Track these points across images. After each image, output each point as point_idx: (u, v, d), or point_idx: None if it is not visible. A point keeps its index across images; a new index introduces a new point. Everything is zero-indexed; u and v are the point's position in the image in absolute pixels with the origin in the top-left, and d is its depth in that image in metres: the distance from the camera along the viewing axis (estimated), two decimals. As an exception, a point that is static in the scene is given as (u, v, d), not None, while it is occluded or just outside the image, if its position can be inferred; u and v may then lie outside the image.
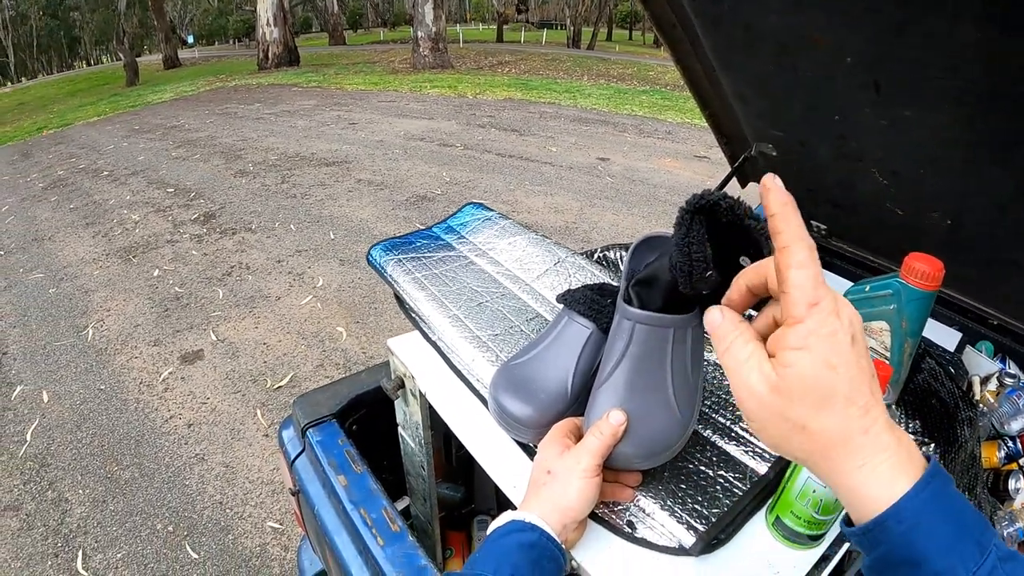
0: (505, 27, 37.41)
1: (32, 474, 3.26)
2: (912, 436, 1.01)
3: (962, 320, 1.95)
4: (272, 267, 5.41)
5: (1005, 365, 1.91)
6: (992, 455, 1.62)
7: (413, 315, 1.23)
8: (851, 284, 1.05)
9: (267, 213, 6.65)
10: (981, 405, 1.74)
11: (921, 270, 0.84)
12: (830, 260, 2.27)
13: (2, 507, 3.07)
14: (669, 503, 0.83)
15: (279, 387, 3.81)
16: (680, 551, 0.79)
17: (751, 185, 2.41)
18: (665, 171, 7.83)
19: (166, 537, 2.83)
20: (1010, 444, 1.65)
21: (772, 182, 0.55)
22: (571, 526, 0.77)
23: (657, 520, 0.82)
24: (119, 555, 2.76)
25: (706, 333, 0.89)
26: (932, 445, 1.03)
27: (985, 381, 1.74)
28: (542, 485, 0.79)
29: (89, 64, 45.48)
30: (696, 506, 0.82)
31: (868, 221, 1.87)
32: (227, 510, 2.96)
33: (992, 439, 1.68)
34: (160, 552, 2.76)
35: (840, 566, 1.20)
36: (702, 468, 0.88)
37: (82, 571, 2.70)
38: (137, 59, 24.60)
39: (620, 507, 0.85)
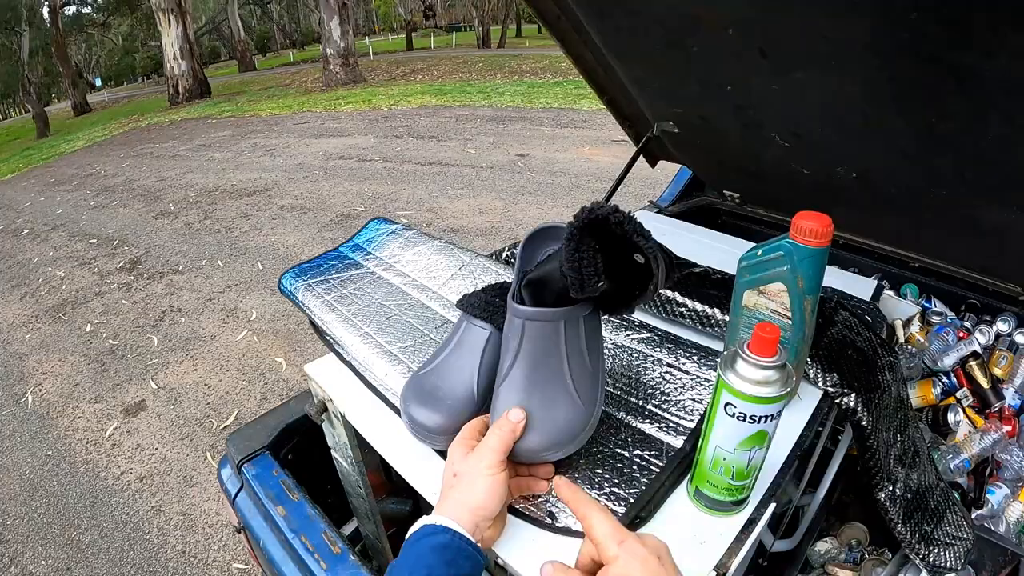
0: (414, 34, 37.28)
1: (-11, 554, 3.17)
2: (831, 388, 1.05)
3: (884, 267, 2.01)
4: (204, 306, 5.33)
5: (931, 304, 1.99)
6: (928, 393, 1.67)
7: (327, 338, 1.23)
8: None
9: (193, 252, 6.54)
10: (910, 346, 1.79)
11: (809, 228, 0.84)
12: (747, 226, 2.32)
13: (-38, 591, 2.98)
14: (587, 489, 0.85)
15: (225, 427, 3.76)
16: None
17: (660, 166, 2.46)
18: (585, 159, 7.91)
19: (132, 596, 2.77)
20: (945, 380, 1.72)
21: (559, 482, 0.78)
22: (484, 524, 0.78)
23: (576, 507, 0.84)
24: (88, 621, 2.69)
25: (606, 317, 0.92)
26: (853, 395, 1.04)
27: (907, 323, 1.79)
28: (450, 488, 0.81)
29: (-3, 120, 44.16)
30: (615, 488, 0.84)
31: (779, 184, 1.92)
32: (191, 558, 2.91)
33: (926, 377, 1.74)
34: (128, 611, 2.70)
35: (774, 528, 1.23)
36: (618, 451, 0.90)
37: (51, 643, 2.63)
38: (46, 108, 23.96)
39: (540, 499, 0.87)
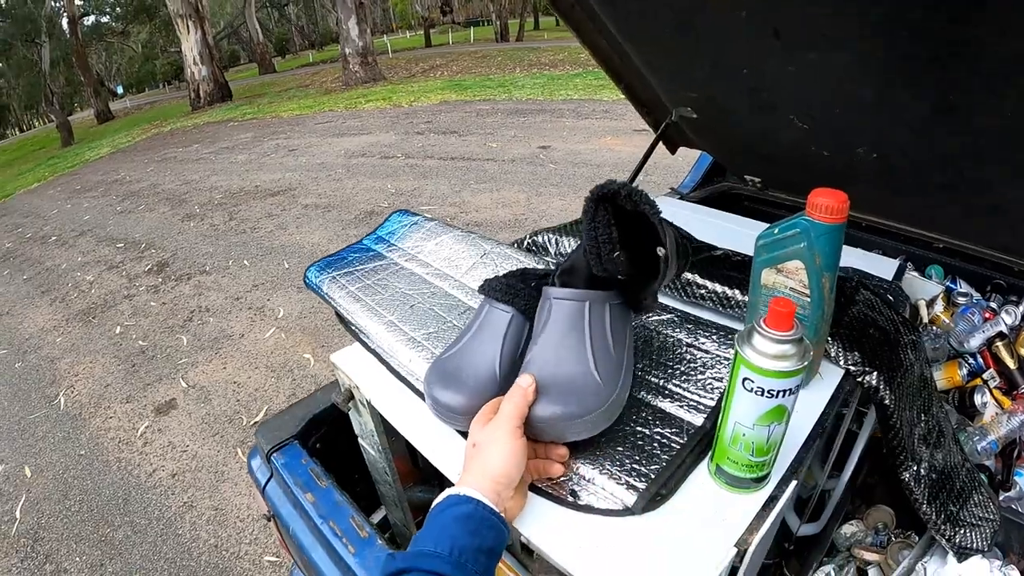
0: (432, 31, 37.37)
1: (27, 550, 3.24)
2: (853, 367, 1.05)
3: (909, 249, 1.98)
4: (231, 306, 5.39)
5: (956, 285, 1.93)
6: (954, 374, 1.64)
7: (352, 328, 1.25)
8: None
9: (219, 253, 6.61)
10: (935, 327, 1.76)
11: (824, 204, 0.85)
12: (769, 211, 2.30)
13: (1, 588, 3.05)
14: (608, 466, 0.86)
15: (255, 423, 3.80)
16: (624, 512, 0.82)
17: (681, 153, 2.45)
18: (607, 149, 7.89)
19: (167, 589, 2.83)
20: (971, 361, 1.68)
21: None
22: (506, 493, 0.80)
23: (598, 484, 0.86)
24: (122, 615, 2.75)
25: (646, 311, 0.95)
26: (875, 373, 1.04)
27: (931, 303, 1.78)
28: (471, 458, 0.84)
29: (22, 130, 44.61)
30: (635, 465, 0.86)
31: (799, 168, 1.89)
32: (223, 552, 2.96)
33: (952, 359, 1.70)
34: (163, 605, 2.75)
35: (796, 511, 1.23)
36: (638, 429, 0.91)
37: (87, 636, 2.68)
38: (69, 117, 24.29)
39: (562, 478, 0.88)
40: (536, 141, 8.88)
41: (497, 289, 0.99)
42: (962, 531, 1.08)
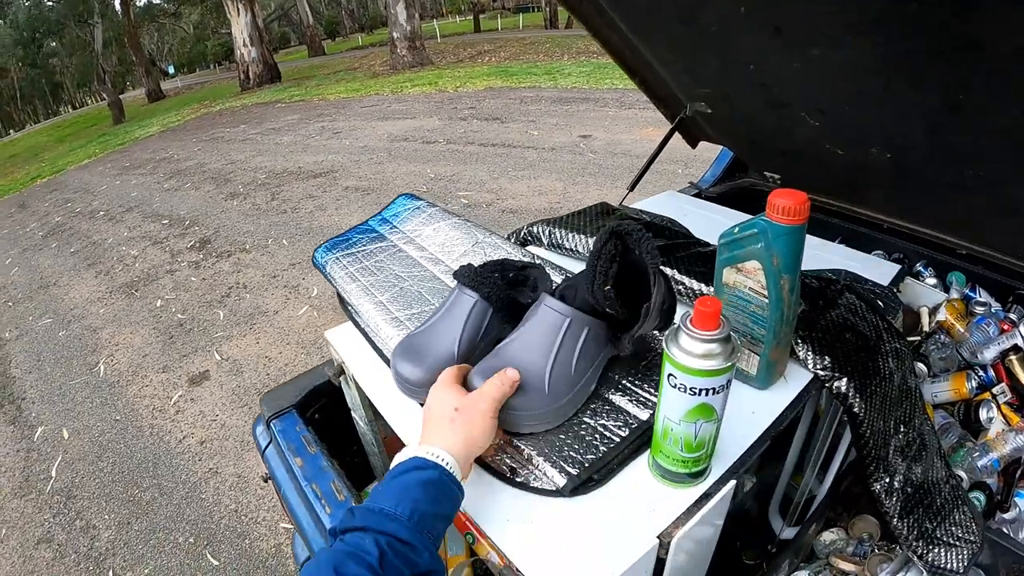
0: (481, 16, 37.22)
1: (60, 507, 3.39)
2: (822, 371, 1.06)
3: (930, 254, 1.92)
4: (268, 283, 5.50)
5: (975, 294, 1.85)
6: (961, 386, 1.59)
7: (347, 307, 1.32)
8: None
9: (260, 231, 6.74)
10: (946, 336, 1.70)
11: (783, 205, 0.85)
12: None
13: (36, 541, 3.20)
14: (547, 451, 0.92)
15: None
16: (554, 492, 0.88)
17: (700, 147, 2.45)
18: (647, 141, 7.81)
19: (188, 549, 2.95)
20: (981, 374, 1.61)
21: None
22: (470, 460, 0.86)
23: (535, 465, 0.91)
24: (146, 570, 2.88)
25: (621, 352, 1.00)
26: (845, 379, 1.04)
27: (934, 311, 1.73)
28: (450, 420, 0.87)
29: (75, 108, 45.44)
30: (571, 453, 0.91)
31: (815, 166, 1.86)
32: (242, 517, 3.07)
33: (962, 370, 1.64)
34: (183, 563, 2.88)
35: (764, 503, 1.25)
36: (584, 420, 0.97)
37: (113, 590, 2.81)
38: (121, 96, 24.70)
39: (502, 455, 0.95)
40: (578, 130, 8.85)
41: (467, 276, 1.06)
42: (937, 550, 1.06)
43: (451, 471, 0.82)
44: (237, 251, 6.35)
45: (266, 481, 1.50)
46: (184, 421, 3.90)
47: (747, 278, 0.96)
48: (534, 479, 0.90)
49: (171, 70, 41.92)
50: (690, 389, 0.77)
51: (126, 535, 3.11)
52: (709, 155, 2.55)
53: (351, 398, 1.36)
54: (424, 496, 0.78)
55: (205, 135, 13.54)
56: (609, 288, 0.92)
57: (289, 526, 2.94)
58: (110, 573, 2.91)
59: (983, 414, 1.52)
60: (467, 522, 1.30)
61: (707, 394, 0.77)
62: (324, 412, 1.58)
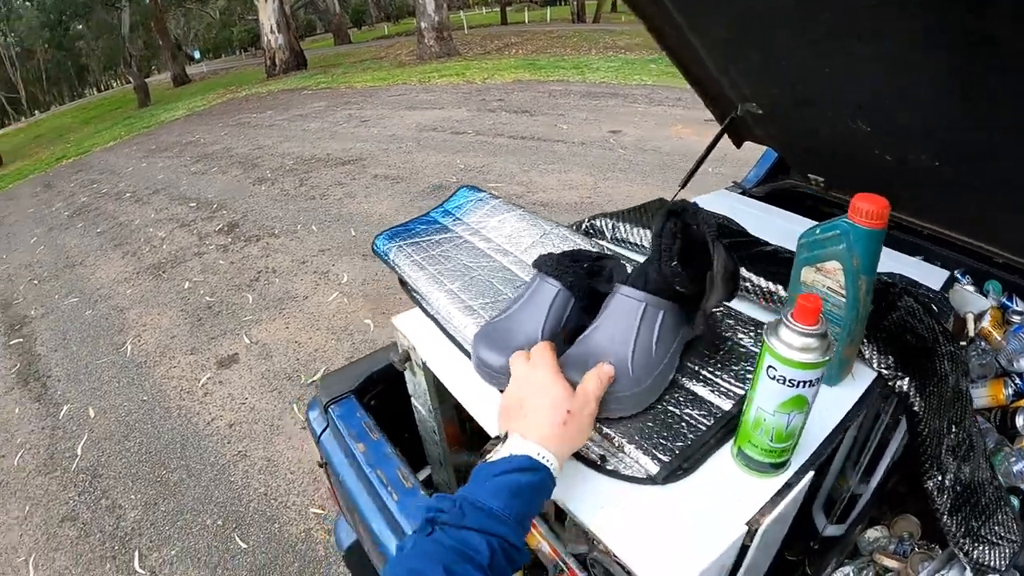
0: (509, 8, 37.10)
1: (85, 485, 3.44)
2: (886, 370, 1.07)
3: (968, 261, 1.90)
4: (297, 268, 5.53)
5: (1012, 303, 1.83)
6: (999, 393, 1.59)
7: (414, 294, 1.33)
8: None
9: (288, 217, 6.78)
10: (985, 344, 1.70)
11: (866, 209, 0.87)
12: (831, 212, 2.28)
13: (60, 518, 3.25)
14: (637, 438, 0.92)
15: (313, 382, 3.94)
16: (647, 480, 0.89)
17: (746, 147, 2.45)
18: (677, 138, 7.80)
19: (216, 531, 2.98)
20: (1018, 381, 1.61)
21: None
22: (567, 458, 0.87)
23: (626, 453, 0.92)
24: (173, 552, 2.91)
25: (696, 331, 1.02)
26: (907, 379, 1.06)
27: (979, 317, 1.72)
28: (562, 423, 0.85)
29: (100, 90, 46.01)
30: (661, 440, 0.92)
31: (860, 169, 1.85)
32: (271, 500, 3.10)
33: (999, 377, 1.65)
34: (211, 545, 2.91)
35: (809, 500, 1.26)
36: (670, 408, 0.98)
37: (139, 570, 2.86)
38: (147, 80, 24.92)
39: (592, 443, 0.95)
40: (607, 125, 8.83)
41: (549, 264, 1.07)
42: (981, 547, 1.07)
43: (555, 474, 0.82)
44: (266, 236, 6.38)
45: (321, 466, 1.52)
46: (212, 403, 3.94)
47: (826, 277, 0.98)
48: (624, 467, 0.91)
49: (197, 55, 42.17)
50: (788, 380, 0.79)
51: (152, 515, 3.15)
52: (739, 155, 2.55)
53: (414, 385, 1.38)
54: (531, 500, 0.78)
55: (232, 120, 13.61)
56: (676, 263, 0.94)
57: (319, 511, 2.97)
58: (136, 553, 2.94)
59: (1019, 421, 1.53)
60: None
61: (803, 386, 0.79)
62: (379, 399, 1.60)
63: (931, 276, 1.50)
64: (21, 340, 5.33)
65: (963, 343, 1.72)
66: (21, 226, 8.96)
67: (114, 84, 46.10)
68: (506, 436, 0.85)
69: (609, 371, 0.91)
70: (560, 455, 0.83)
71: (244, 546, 2.88)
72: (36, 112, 38.78)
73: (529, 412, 0.87)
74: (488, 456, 0.83)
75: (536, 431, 0.84)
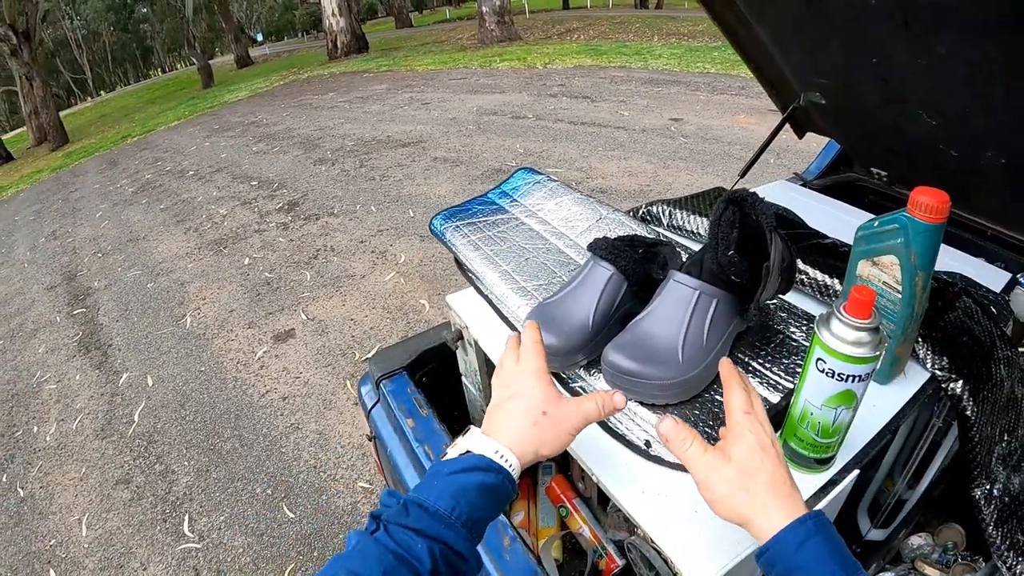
0: (571, -7, 36.88)
1: (141, 450, 3.57)
2: (939, 372, 1.05)
3: None
4: (356, 248, 5.60)
5: None
6: None
7: (468, 274, 1.35)
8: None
9: (348, 197, 6.84)
10: None
11: (925, 203, 0.85)
12: (893, 207, 2.24)
13: (114, 481, 3.37)
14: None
15: (366, 359, 3.99)
16: None
17: (789, 137, 2.42)
18: (739, 128, 7.68)
19: (265, 500, 3.06)
20: None
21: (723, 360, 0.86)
22: (531, 463, 0.81)
23: (670, 439, 0.92)
24: (222, 518, 3.00)
25: (749, 322, 1.01)
26: (961, 382, 1.04)
27: None
28: (533, 422, 0.80)
29: (164, 71, 47.06)
30: (706, 428, 0.93)
31: (925, 164, 1.83)
32: (321, 473, 3.16)
33: None
34: (260, 513, 2.99)
35: (854, 501, 1.25)
36: (716, 397, 0.98)
37: (188, 533, 2.95)
38: (210, 61, 25.32)
39: (638, 427, 0.96)
40: (668, 112, 8.71)
41: (603, 248, 1.08)
42: None
43: (514, 476, 0.77)
44: (325, 215, 6.46)
45: (370, 440, 1.55)
46: (268, 376, 4.03)
47: (882, 272, 0.97)
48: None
49: (259, 37, 42.74)
50: (837, 374, 0.78)
51: (204, 482, 3.24)
52: (800, 146, 2.51)
53: (465, 363, 1.40)
54: (484, 503, 0.73)
55: (293, 101, 13.77)
56: (732, 252, 0.94)
57: (366, 485, 3.02)
58: (186, 517, 3.04)
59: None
60: (562, 495, 1.33)
61: (852, 380, 0.78)
62: (430, 377, 1.62)
63: (992, 278, 1.47)
64: (84, 310, 5.52)
65: (1021, 348, 1.68)
66: (87, 201, 9.23)
67: (178, 66, 47.16)
68: (467, 431, 0.82)
69: (619, 402, 0.85)
70: (524, 456, 0.78)
71: (291, 515, 2.94)
72: (102, 92, 39.76)
73: (503, 411, 0.83)
74: (445, 453, 0.80)
75: (504, 431, 0.80)
